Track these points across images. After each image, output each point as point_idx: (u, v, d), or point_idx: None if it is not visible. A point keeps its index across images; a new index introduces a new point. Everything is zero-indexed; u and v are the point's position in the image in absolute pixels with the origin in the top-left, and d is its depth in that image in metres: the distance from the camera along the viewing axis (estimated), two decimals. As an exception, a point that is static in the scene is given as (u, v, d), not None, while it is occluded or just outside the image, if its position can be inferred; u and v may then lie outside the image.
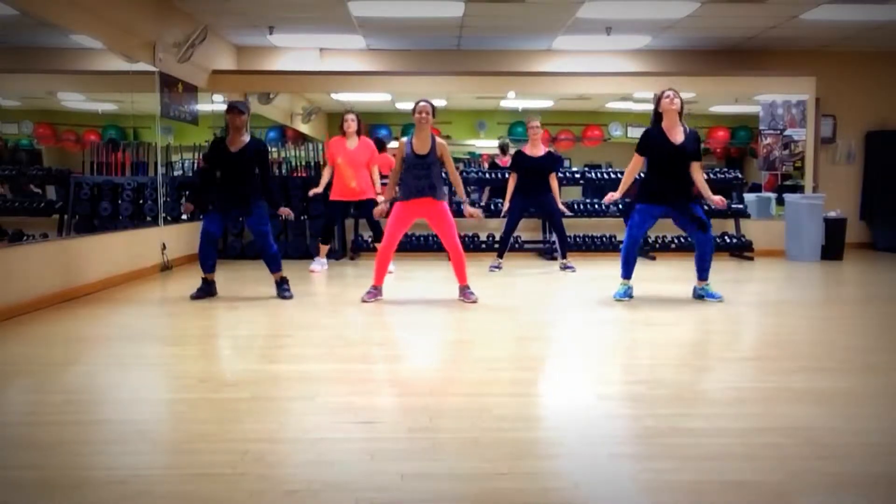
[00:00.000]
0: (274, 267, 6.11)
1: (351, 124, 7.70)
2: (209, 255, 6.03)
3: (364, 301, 5.86)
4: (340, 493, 2.31)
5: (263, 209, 6.06)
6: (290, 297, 6.05)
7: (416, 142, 5.76)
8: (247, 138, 5.99)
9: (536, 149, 7.92)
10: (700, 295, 6.02)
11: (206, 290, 6.07)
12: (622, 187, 6.04)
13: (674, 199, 5.82)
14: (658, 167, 5.83)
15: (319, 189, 7.91)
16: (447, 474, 2.46)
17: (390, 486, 2.35)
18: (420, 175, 5.74)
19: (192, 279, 6.37)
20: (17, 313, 5.24)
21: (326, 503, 2.26)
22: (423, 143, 5.75)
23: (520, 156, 7.99)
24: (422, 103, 5.77)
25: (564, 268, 7.99)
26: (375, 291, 5.95)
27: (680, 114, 5.78)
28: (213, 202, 6.12)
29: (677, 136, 5.75)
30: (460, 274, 5.95)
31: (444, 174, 5.98)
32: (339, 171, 7.73)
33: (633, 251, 6.02)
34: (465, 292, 5.93)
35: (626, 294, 6.00)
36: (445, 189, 6.21)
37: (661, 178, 5.81)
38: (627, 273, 6.03)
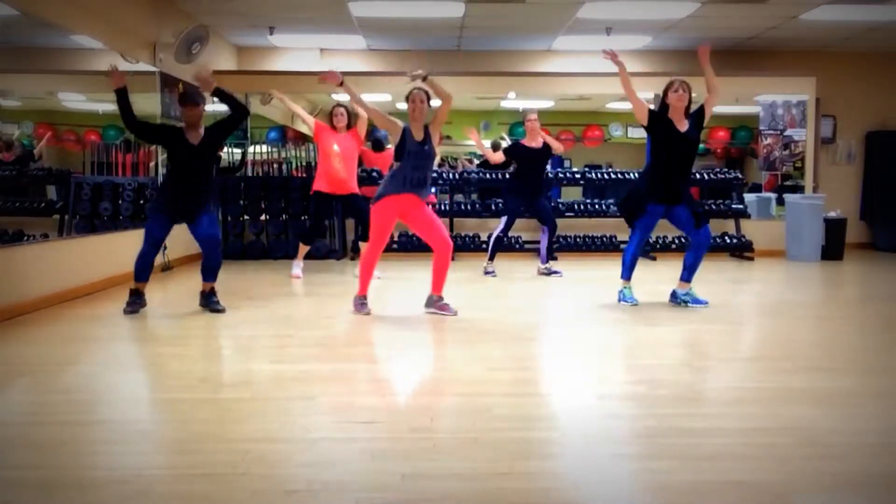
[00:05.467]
0: (211, 277, 5.53)
1: (341, 118, 7.30)
2: (149, 263, 5.43)
3: (354, 313, 5.42)
4: (341, 493, 2.32)
5: (214, 214, 5.70)
6: (223, 310, 5.44)
7: (413, 130, 5.35)
8: (202, 131, 5.40)
9: (535, 141, 7.76)
10: (684, 301, 5.74)
11: (139, 302, 5.44)
12: (628, 82, 5.82)
13: (677, 196, 5.76)
14: (664, 155, 5.70)
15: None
16: (447, 474, 2.47)
17: (390, 486, 2.35)
18: (419, 165, 5.28)
19: (193, 280, 6.35)
20: (17, 313, 5.24)
21: (327, 503, 2.27)
22: (418, 131, 5.33)
23: (518, 146, 7.82)
24: (415, 91, 5.33)
25: (549, 272, 7.73)
26: (362, 301, 5.43)
27: (687, 109, 5.74)
28: (162, 202, 5.46)
29: (682, 125, 5.71)
30: (439, 278, 5.39)
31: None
32: (328, 158, 7.28)
33: (639, 253, 5.94)
34: (439, 303, 5.38)
35: (633, 298, 5.84)
36: (432, 189, 5.90)
37: (667, 170, 5.70)
38: (629, 274, 5.92)
